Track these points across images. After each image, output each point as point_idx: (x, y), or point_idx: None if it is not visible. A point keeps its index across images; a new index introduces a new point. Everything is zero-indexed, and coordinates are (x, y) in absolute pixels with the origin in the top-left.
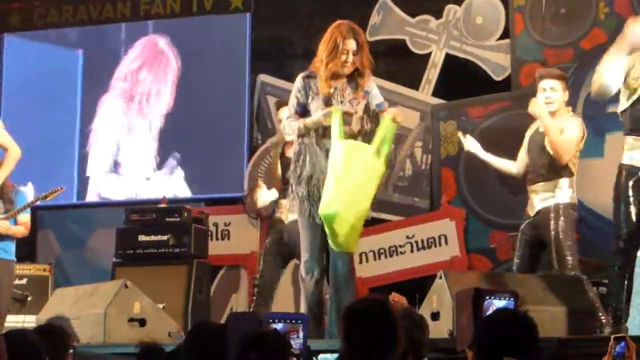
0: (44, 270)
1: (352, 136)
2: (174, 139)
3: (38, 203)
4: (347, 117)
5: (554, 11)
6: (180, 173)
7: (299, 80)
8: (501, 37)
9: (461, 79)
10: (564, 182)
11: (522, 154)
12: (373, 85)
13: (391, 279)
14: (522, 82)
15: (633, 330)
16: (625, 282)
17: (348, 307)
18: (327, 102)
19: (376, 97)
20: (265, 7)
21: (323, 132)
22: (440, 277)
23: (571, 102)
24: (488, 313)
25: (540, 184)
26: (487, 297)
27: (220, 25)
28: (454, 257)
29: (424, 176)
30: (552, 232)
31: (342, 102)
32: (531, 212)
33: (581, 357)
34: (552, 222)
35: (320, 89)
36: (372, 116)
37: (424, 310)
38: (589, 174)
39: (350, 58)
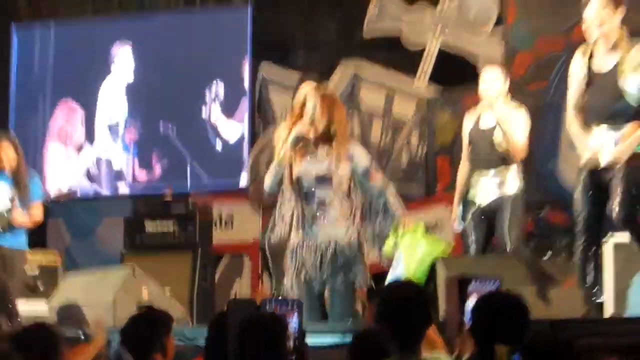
0: (54, 258)
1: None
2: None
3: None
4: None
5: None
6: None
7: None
8: (495, 26)
9: (456, 68)
10: (512, 172)
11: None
12: (357, 148)
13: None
14: (516, 71)
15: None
16: (592, 265)
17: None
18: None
19: (361, 162)
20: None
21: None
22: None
23: (562, 92)
24: (472, 298)
25: (493, 170)
26: (471, 282)
27: (222, 17)
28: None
29: (420, 165)
30: (507, 222)
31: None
32: (482, 201)
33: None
34: (505, 212)
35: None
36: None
37: None
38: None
39: (315, 113)
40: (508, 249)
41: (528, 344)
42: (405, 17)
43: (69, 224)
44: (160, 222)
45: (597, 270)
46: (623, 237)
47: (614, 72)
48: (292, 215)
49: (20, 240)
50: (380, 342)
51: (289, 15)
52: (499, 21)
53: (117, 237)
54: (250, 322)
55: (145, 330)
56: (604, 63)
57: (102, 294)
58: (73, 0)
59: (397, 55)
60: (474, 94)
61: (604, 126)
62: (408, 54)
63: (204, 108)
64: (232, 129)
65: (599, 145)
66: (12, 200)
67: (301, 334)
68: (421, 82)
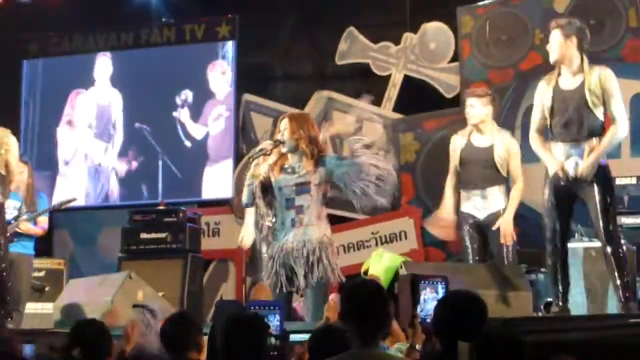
0: (60, 264)
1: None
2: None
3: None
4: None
5: (496, 37)
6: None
7: None
8: (451, 60)
9: (417, 97)
10: (502, 190)
11: (453, 165)
12: (327, 152)
13: (359, 269)
14: None
15: (576, 309)
16: (559, 270)
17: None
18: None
19: (329, 160)
20: (248, 35)
21: None
22: (401, 267)
23: (512, 114)
24: (422, 294)
25: (489, 189)
26: (422, 282)
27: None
28: (413, 249)
29: None
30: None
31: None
32: (478, 214)
33: (524, 334)
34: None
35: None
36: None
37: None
38: (530, 177)
39: (283, 133)
40: (506, 260)
41: (479, 339)
42: (371, 53)
43: (73, 234)
44: (154, 231)
45: (564, 274)
46: (584, 244)
47: (580, 89)
48: (273, 222)
49: (28, 247)
50: (337, 338)
51: (268, 52)
52: (455, 57)
53: (116, 245)
54: (234, 319)
55: (182, 330)
56: (571, 83)
57: (102, 296)
58: (77, 38)
59: (365, 85)
60: (433, 118)
61: (569, 141)
62: (374, 85)
63: (175, 112)
64: (198, 129)
65: (565, 159)
66: (19, 210)
67: (283, 333)
68: (387, 109)
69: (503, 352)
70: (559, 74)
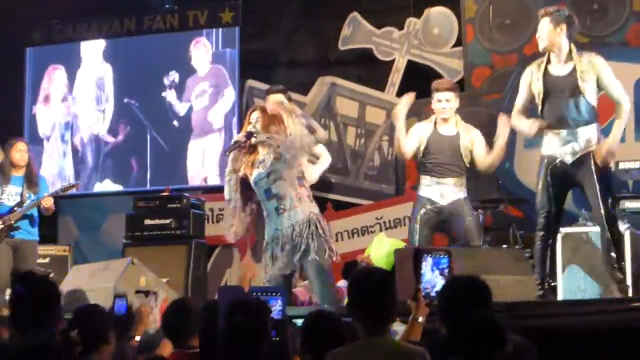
0: (64, 250)
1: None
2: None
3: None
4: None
5: (500, 22)
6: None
7: None
8: (455, 45)
9: (421, 82)
10: (462, 181)
11: (412, 142)
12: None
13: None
14: (474, 84)
15: (579, 294)
16: (549, 254)
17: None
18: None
19: (289, 141)
20: (251, 21)
21: None
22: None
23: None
24: (424, 267)
25: (452, 178)
26: (425, 254)
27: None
28: None
29: (390, 166)
30: (466, 223)
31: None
32: (441, 201)
33: (525, 318)
34: (465, 215)
35: None
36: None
37: None
38: (532, 162)
39: (255, 125)
40: (472, 240)
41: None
42: (374, 38)
43: (77, 220)
44: (159, 217)
45: (553, 257)
46: (573, 228)
47: (572, 75)
48: (256, 216)
49: (32, 233)
50: (331, 323)
51: (271, 38)
52: (458, 41)
53: (120, 231)
54: (237, 305)
55: (183, 317)
56: (561, 70)
57: (105, 281)
58: (81, 25)
59: (368, 71)
60: None
61: (563, 127)
62: (378, 70)
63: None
64: (183, 107)
65: (561, 145)
66: (21, 195)
67: (285, 318)
68: (390, 94)
69: (479, 333)
70: (549, 62)
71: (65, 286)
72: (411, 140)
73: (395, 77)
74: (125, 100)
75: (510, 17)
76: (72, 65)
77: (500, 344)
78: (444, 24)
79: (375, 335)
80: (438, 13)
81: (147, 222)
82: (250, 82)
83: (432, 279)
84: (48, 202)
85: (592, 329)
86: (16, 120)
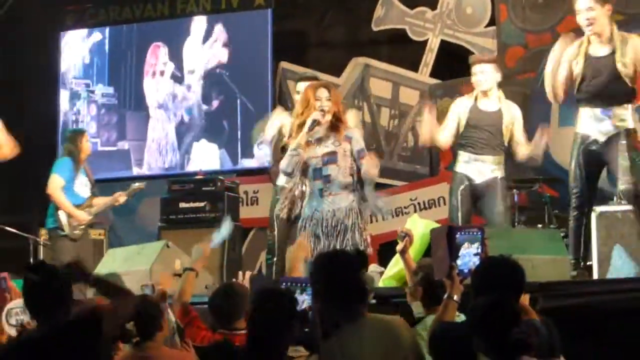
0: (100, 234)
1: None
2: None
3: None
4: (316, 123)
5: (533, 1)
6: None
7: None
8: (488, 25)
9: (454, 62)
10: (501, 159)
11: (453, 125)
12: (355, 131)
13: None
14: (507, 64)
15: (600, 273)
16: (583, 233)
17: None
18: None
19: (358, 143)
20: (284, 3)
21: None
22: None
23: None
24: (458, 244)
25: (491, 156)
26: (458, 232)
27: (246, 20)
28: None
29: (424, 146)
30: (497, 207)
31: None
32: (478, 178)
33: (559, 297)
34: (497, 197)
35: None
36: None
37: None
38: (567, 140)
39: (325, 103)
40: (499, 224)
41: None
42: (407, 18)
43: None
44: (193, 200)
45: (588, 238)
46: (607, 207)
47: (611, 57)
48: (302, 192)
49: None
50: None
51: (304, 19)
52: (492, 21)
53: (155, 215)
54: (264, 293)
55: (230, 301)
56: (601, 51)
57: (140, 265)
58: (113, 9)
59: (402, 51)
60: (470, 83)
61: (599, 106)
62: (411, 51)
63: None
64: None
65: (593, 123)
66: (91, 187)
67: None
68: (424, 75)
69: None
70: (589, 42)
71: (100, 270)
72: (447, 127)
73: (429, 57)
74: (218, 70)
75: None
76: (174, 42)
77: (510, 323)
78: (477, 4)
79: (354, 319)
80: None
81: (182, 205)
82: (284, 64)
83: (467, 257)
84: (122, 200)
85: (627, 307)
86: (50, 103)
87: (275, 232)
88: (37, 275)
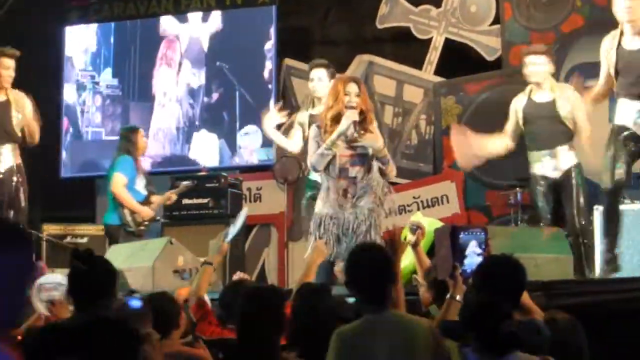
0: (102, 230)
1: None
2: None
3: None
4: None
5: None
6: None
7: (313, 128)
8: (492, 23)
9: (458, 60)
10: (572, 146)
11: (512, 127)
12: (377, 133)
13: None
14: (511, 62)
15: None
16: (609, 228)
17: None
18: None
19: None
20: (288, 0)
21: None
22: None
23: (554, 77)
24: (461, 244)
25: (557, 147)
26: (462, 232)
27: (250, 17)
28: (455, 213)
29: (428, 144)
30: (575, 192)
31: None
32: (552, 174)
33: (561, 296)
34: (573, 186)
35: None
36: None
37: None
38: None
39: (354, 99)
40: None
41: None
42: (412, 16)
43: None
44: (196, 196)
45: (617, 232)
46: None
47: None
48: (328, 190)
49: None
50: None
51: (307, 16)
52: (496, 19)
53: (158, 210)
54: (249, 293)
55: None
56: (633, 43)
57: (143, 261)
58: (117, 5)
59: (406, 49)
60: (474, 82)
61: (636, 98)
62: (415, 49)
63: None
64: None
65: (628, 114)
66: (147, 185)
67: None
68: (428, 73)
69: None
70: (622, 34)
71: None
72: (509, 131)
73: (433, 56)
74: (218, 63)
75: None
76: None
77: (499, 321)
78: (482, 2)
79: (376, 313)
80: None
81: (185, 201)
82: (288, 61)
83: (470, 256)
84: (174, 198)
85: (631, 306)
86: (53, 96)
87: None
88: (84, 263)
